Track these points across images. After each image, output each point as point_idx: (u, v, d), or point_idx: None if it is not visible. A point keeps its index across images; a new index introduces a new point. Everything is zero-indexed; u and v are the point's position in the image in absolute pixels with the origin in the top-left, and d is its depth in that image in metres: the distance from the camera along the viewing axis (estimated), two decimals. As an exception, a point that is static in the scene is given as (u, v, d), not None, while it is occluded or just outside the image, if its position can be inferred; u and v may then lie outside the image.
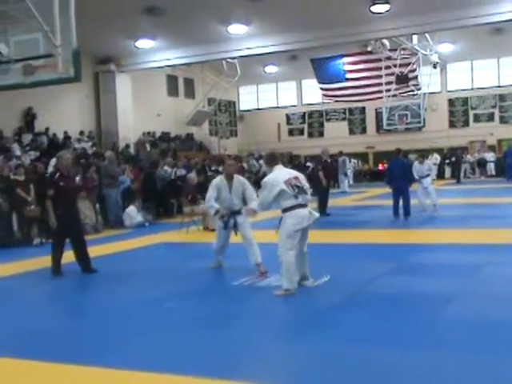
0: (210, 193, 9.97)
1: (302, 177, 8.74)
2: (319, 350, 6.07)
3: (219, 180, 10.11)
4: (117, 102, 30.26)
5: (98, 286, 10.15)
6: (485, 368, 5.38)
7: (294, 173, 8.81)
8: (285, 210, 8.39)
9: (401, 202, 17.22)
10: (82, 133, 28.48)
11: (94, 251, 13.08)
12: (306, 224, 8.41)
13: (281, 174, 8.58)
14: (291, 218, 8.33)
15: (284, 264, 8.32)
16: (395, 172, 17.37)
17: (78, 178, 16.71)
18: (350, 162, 37.01)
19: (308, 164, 31.95)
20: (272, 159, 8.98)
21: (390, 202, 17.65)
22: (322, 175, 19.22)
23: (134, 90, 31.43)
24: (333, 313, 7.48)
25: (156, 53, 28.66)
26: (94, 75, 30.27)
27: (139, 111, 32.15)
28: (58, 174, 11.03)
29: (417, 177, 18.09)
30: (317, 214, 8.67)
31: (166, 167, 22.70)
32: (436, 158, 36.87)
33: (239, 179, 10.18)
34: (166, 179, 21.96)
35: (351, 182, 36.79)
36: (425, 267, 10.18)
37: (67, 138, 27.29)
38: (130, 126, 31.03)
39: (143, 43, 27.49)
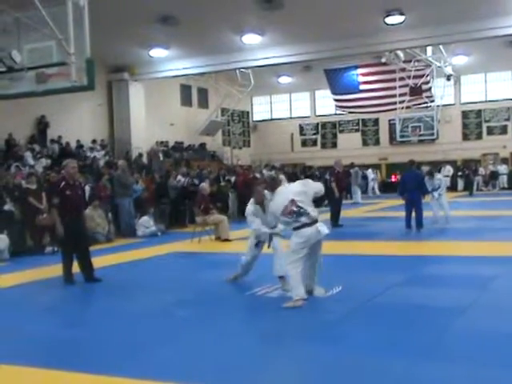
0: (256, 222, 9.66)
1: (298, 196, 8.54)
2: (327, 360, 6.02)
3: (253, 207, 9.81)
4: (130, 111, 30.33)
5: (108, 294, 10.09)
6: (496, 382, 5.32)
7: (289, 196, 8.57)
8: (293, 229, 8.55)
9: (413, 214, 17.13)
10: (94, 141, 28.53)
11: (105, 260, 13.15)
12: (312, 241, 8.48)
13: (278, 204, 8.62)
14: (297, 236, 8.45)
15: (289, 277, 8.44)
16: (408, 184, 17.26)
17: (87, 188, 16.73)
18: (373, 172, 38.24)
19: (316, 173, 32.17)
20: (273, 184, 9.11)
21: (403, 214, 17.55)
22: (335, 186, 19.15)
23: (148, 99, 31.50)
24: (342, 323, 7.43)
25: (170, 62, 28.70)
26: (107, 84, 30.36)
27: (152, 120, 32.19)
28: (63, 183, 11.00)
29: (429, 189, 18.05)
30: (325, 231, 8.57)
31: (179, 177, 22.68)
32: (449, 170, 36.71)
33: (268, 199, 9.95)
34: (178, 189, 21.93)
35: (378, 193, 37.85)
36: (436, 279, 10.10)
37: (80, 146, 27.35)
38: (143, 135, 31.07)
39: (157, 52, 27.53)
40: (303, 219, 8.40)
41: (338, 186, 19.26)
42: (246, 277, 10.34)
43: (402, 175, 19.13)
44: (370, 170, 38.61)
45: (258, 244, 9.93)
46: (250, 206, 9.93)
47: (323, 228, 8.58)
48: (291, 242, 8.47)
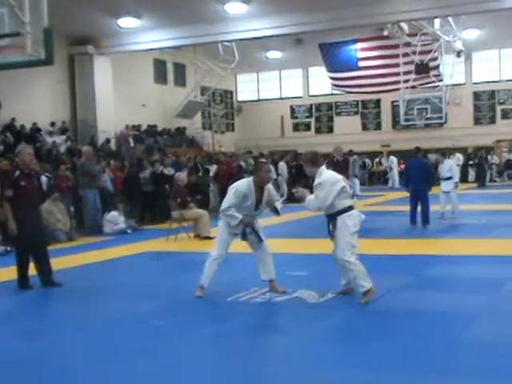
0: (232, 200, 9.28)
1: None
2: (320, 373, 6.00)
3: (247, 188, 9.32)
4: (95, 90, 29.99)
5: (69, 301, 10.00)
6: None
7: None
8: (340, 212, 8.61)
9: (419, 208, 17.11)
10: (53, 124, 28.26)
11: (67, 261, 13.10)
12: (359, 226, 8.72)
13: (335, 175, 8.87)
14: (351, 219, 8.64)
15: (352, 267, 8.52)
16: (413, 174, 17.22)
17: (44, 178, 16.58)
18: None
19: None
20: (317, 159, 9.07)
21: (407, 208, 17.54)
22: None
23: (116, 76, 31.21)
24: (340, 331, 7.45)
25: (141, 33, 28.44)
26: (68, 58, 29.97)
27: (121, 100, 31.95)
28: (17, 173, 10.89)
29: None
30: (363, 216, 8.88)
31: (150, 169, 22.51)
32: (459, 158, 36.75)
33: (268, 189, 9.57)
34: (148, 179, 21.85)
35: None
36: (444, 281, 10.18)
37: (36, 130, 27.07)
38: (111, 118, 30.79)
39: (127, 22, 27.35)
40: (352, 200, 8.80)
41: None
42: (228, 279, 10.28)
43: (407, 164, 19.11)
44: (393, 158, 39.07)
45: (244, 234, 9.72)
46: (244, 185, 9.42)
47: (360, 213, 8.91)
48: (345, 228, 8.55)
